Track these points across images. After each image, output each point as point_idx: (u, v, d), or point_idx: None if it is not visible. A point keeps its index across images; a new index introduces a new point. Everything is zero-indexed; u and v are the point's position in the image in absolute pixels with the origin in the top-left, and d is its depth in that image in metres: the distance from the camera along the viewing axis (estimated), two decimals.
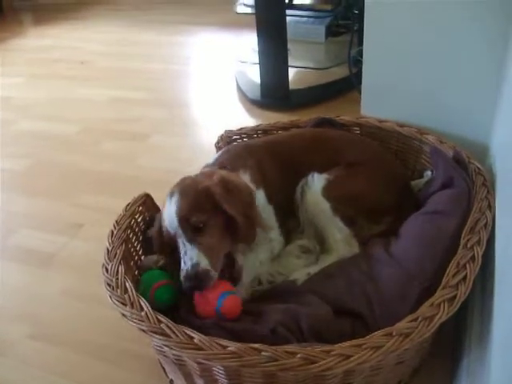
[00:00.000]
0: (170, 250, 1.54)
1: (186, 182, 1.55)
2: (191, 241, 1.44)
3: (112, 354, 1.78)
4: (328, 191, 1.70)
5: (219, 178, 1.53)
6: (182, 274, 1.41)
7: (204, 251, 1.42)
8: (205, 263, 1.41)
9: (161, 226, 1.54)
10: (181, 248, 1.46)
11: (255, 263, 1.63)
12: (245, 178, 1.67)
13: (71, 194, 2.68)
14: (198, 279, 1.39)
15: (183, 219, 1.44)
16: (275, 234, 1.72)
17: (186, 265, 1.42)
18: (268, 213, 1.70)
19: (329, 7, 3.80)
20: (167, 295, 1.46)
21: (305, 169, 1.79)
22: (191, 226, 1.44)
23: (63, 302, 2.01)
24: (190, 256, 1.42)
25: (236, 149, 1.89)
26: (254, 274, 1.62)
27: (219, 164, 1.75)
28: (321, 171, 1.76)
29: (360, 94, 2.24)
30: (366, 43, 2.08)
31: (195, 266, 1.40)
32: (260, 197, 1.67)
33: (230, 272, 1.53)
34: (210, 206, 1.47)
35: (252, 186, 1.66)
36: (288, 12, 3.30)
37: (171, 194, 1.51)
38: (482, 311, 1.45)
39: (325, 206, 1.68)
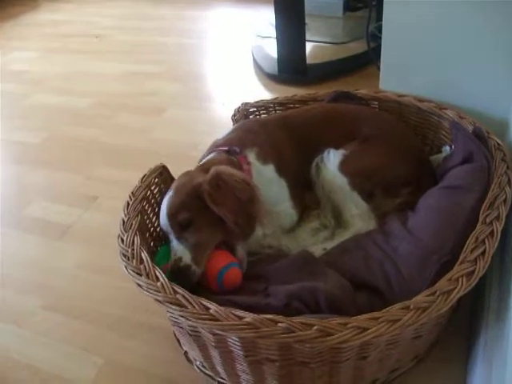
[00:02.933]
0: None
1: (183, 179, 1.58)
2: (178, 237, 1.47)
3: (127, 326, 1.79)
4: (345, 166, 1.69)
5: (213, 174, 1.51)
6: (168, 269, 1.44)
7: (189, 247, 1.45)
8: (187, 258, 1.43)
9: None
10: (171, 243, 1.49)
11: (258, 234, 1.63)
12: (251, 155, 1.68)
13: (86, 167, 2.69)
14: (180, 274, 1.41)
15: (171, 216, 1.49)
16: (286, 207, 1.72)
17: (171, 258, 1.45)
18: (280, 186, 1.70)
19: None
20: None
21: (320, 144, 1.78)
22: (178, 222, 1.47)
23: (78, 274, 2.02)
24: (174, 251, 1.46)
25: (247, 124, 1.89)
26: (254, 245, 1.63)
27: (228, 141, 1.75)
28: (337, 146, 1.75)
29: (378, 69, 2.21)
30: (386, 17, 2.05)
31: (177, 260, 1.43)
32: (269, 171, 1.68)
33: None
34: (198, 203, 1.48)
35: (259, 162, 1.67)
36: None
37: (169, 191, 1.55)
38: (500, 287, 1.44)
39: (342, 181, 1.67)
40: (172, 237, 1.49)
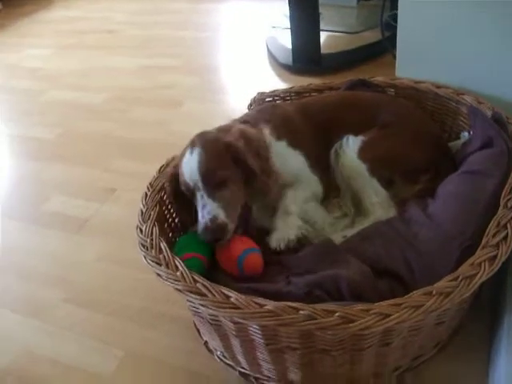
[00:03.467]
0: (183, 199, 1.55)
1: (208, 136, 1.56)
2: (211, 195, 1.45)
3: (148, 317, 1.79)
4: (364, 153, 1.69)
5: (238, 132, 1.55)
6: (200, 226, 1.43)
7: (223, 206, 1.44)
8: (222, 217, 1.42)
9: (176, 174, 1.54)
10: (198, 200, 1.47)
11: (300, 196, 1.64)
12: (265, 131, 1.68)
13: (103, 161, 2.70)
14: (217, 232, 1.42)
15: (206, 174, 1.45)
16: (307, 175, 1.71)
17: (204, 218, 1.43)
18: (295, 158, 1.70)
19: None
20: (194, 269, 1.38)
21: (339, 130, 1.77)
22: (214, 181, 1.45)
23: (98, 267, 2.03)
24: (208, 210, 1.43)
25: (263, 106, 1.92)
26: (298, 209, 1.62)
27: (243, 118, 1.77)
28: (355, 133, 1.75)
29: (394, 57, 2.20)
30: (402, 3, 2.03)
31: (213, 219, 1.41)
32: (281, 146, 1.68)
33: (245, 228, 1.55)
34: (231, 161, 1.49)
35: (272, 137, 1.67)
36: None
37: (192, 146, 1.51)
38: None
39: (361, 167, 1.67)
40: (201, 194, 1.46)
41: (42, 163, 2.78)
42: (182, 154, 1.54)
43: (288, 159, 1.68)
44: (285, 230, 1.53)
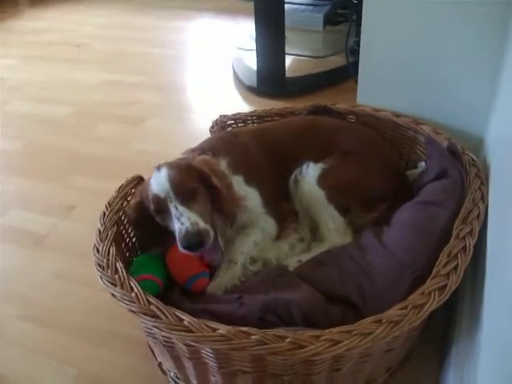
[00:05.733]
0: (146, 224, 1.58)
1: (172, 161, 1.59)
2: (184, 203, 1.46)
3: (101, 335, 1.78)
4: (323, 180, 1.71)
5: (202, 161, 1.59)
6: (181, 233, 1.43)
7: (199, 214, 1.46)
8: (202, 223, 1.45)
9: (141, 199, 1.56)
10: (172, 212, 1.47)
11: (250, 244, 1.64)
12: (222, 163, 1.69)
13: (63, 176, 2.67)
14: (200, 235, 1.42)
15: (176, 184, 1.48)
16: (261, 214, 1.72)
17: (183, 225, 1.43)
18: (250, 197, 1.71)
19: None
20: (149, 290, 1.34)
21: (297, 157, 1.80)
22: (184, 189, 1.48)
23: (53, 283, 2.01)
24: (186, 216, 1.44)
25: (222, 134, 1.94)
26: (249, 255, 1.62)
27: (201, 147, 1.79)
28: (314, 160, 1.77)
29: (356, 83, 2.23)
30: (364, 32, 2.08)
31: (194, 224, 1.43)
32: (238, 182, 1.69)
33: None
34: (197, 178, 1.53)
35: (230, 171, 1.68)
36: (287, 0, 3.28)
37: (159, 168, 1.54)
38: (472, 301, 1.46)
39: (320, 194, 1.69)
40: (174, 205, 1.47)
41: (1, 175, 2.74)
42: (147, 181, 1.57)
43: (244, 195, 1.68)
44: (224, 280, 1.53)
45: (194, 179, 1.52)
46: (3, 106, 3.53)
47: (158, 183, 1.49)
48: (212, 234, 1.46)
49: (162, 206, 1.49)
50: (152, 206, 1.51)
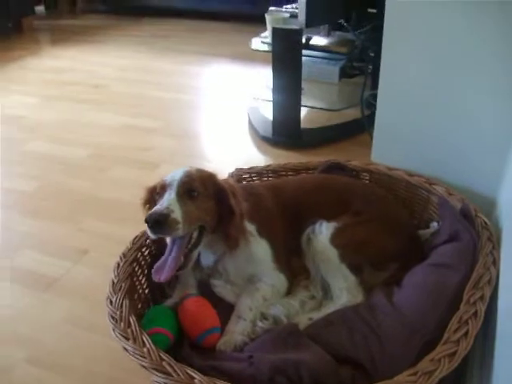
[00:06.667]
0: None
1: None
2: (178, 195, 1.53)
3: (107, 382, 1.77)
4: (336, 239, 1.72)
5: (225, 180, 1.72)
6: (151, 211, 1.48)
7: (184, 210, 1.50)
8: (177, 215, 1.47)
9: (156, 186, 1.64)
10: (165, 196, 1.53)
11: (259, 300, 1.64)
12: None
13: (77, 219, 2.69)
14: (166, 221, 1.44)
15: (185, 179, 1.57)
16: (270, 269, 1.73)
17: (161, 205, 1.48)
18: (261, 249, 1.73)
19: (344, 50, 3.81)
20: (160, 345, 1.37)
21: (310, 214, 1.81)
22: (188, 186, 1.56)
23: (65, 329, 2.00)
24: (169, 202, 1.49)
25: (242, 184, 1.99)
26: (258, 311, 1.62)
27: None
28: (327, 218, 1.78)
29: (371, 137, 2.26)
30: (381, 88, 2.12)
31: (168, 210, 1.46)
32: (251, 229, 1.72)
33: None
34: (211, 189, 1.62)
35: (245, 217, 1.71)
36: (304, 52, 3.33)
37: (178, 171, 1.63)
38: (481, 367, 1.45)
39: (332, 253, 1.70)
40: (170, 192, 1.53)
41: (15, 215, 2.76)
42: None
43: (253, 247, 1.71)
44: (234, 336, 1.53)
45: (207, 187, 1.60)
46: (21, 145, 3.56)
47: (174, 173, 1.60)
48: (180, 228, 1.47)
49: (162, 190, 1.56)
50: (157, 189, 1.59)
